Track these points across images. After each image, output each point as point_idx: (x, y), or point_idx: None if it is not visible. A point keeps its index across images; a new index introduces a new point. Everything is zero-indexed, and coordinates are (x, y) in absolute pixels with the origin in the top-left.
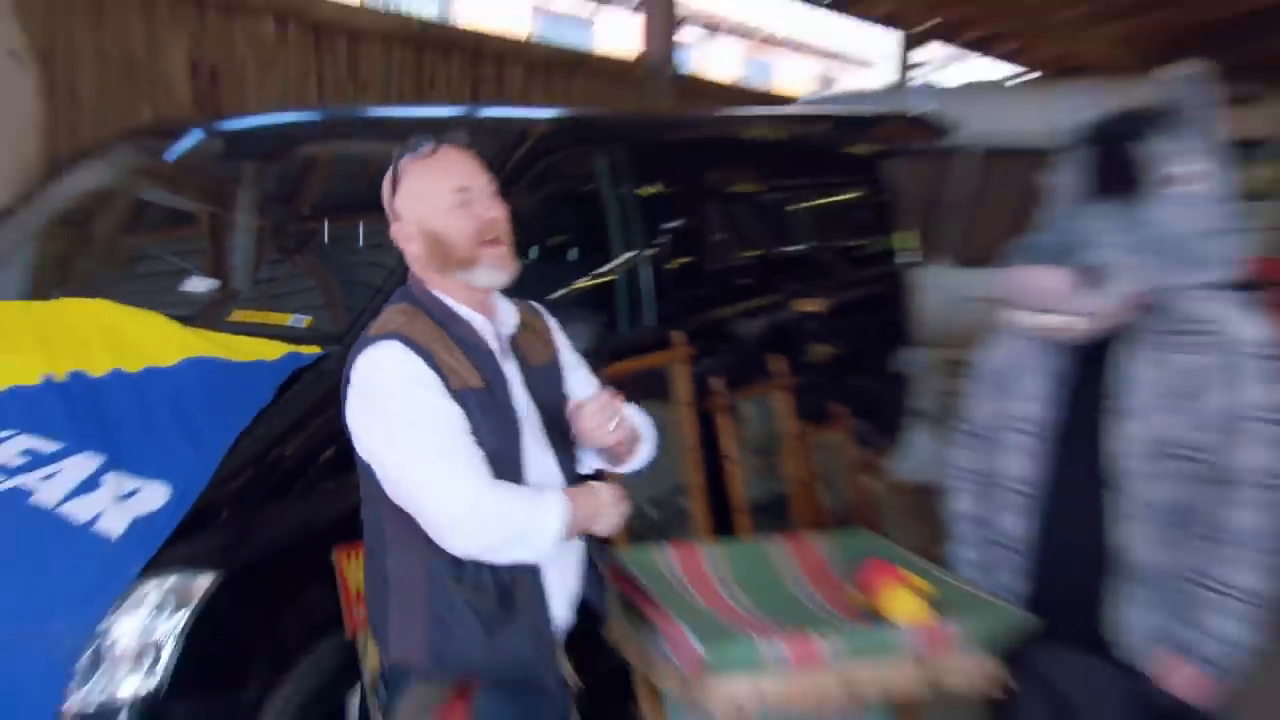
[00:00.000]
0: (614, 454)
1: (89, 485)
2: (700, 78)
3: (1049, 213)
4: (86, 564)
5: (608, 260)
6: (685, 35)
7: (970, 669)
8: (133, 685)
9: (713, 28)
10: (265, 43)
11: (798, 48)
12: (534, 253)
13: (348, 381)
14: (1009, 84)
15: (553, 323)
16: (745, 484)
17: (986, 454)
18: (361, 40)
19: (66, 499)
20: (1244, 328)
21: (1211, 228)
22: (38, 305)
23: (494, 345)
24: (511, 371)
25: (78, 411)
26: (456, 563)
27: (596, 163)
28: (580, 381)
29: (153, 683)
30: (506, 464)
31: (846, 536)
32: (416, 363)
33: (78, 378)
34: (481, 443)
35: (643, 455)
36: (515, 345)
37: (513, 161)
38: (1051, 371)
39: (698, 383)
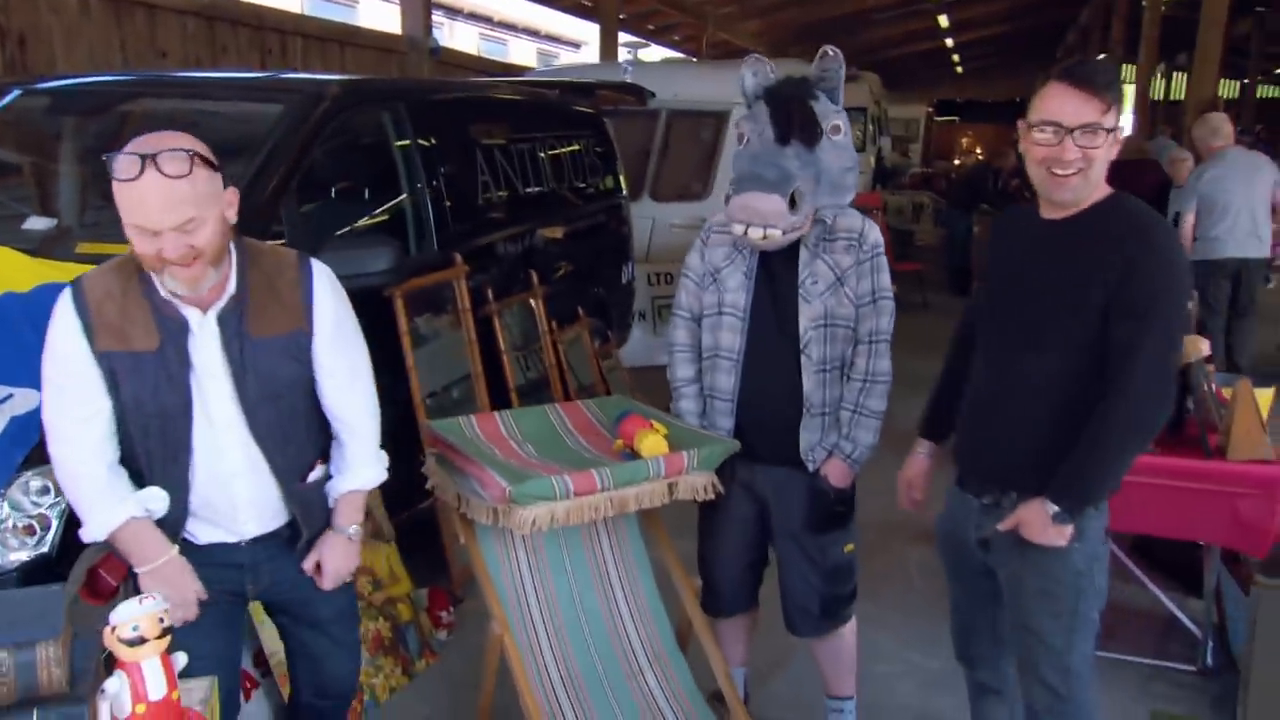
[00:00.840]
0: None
1: None
2: (453, 50)
3: (750, 153)
4: None
5: (397, 197)
6: (434, 17)
7: (697, 483)
8: (21, 553)
9: (455, 11)
10: (69, 12)
11: (523, 30)
12: (334, 193)
13: None
14: (690, 62)
15: (321, 293)
16: (514, 371)
17: (701, 332)
18: (158, 12)
19: None
20: (874, 233)
21: (852, 165)
22: None
23: (190, 311)
24: (208, 339)
25: None
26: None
27: (383, 118)
28: (331, 367)
29: (42, 550)
30: (172, 425)
31: (605, 401)
32: (69, 319)
33: None
34: (143, 404)
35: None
36: (240, 314)
37: (315, 116)
38: (750, 270)
39: (473, 293)
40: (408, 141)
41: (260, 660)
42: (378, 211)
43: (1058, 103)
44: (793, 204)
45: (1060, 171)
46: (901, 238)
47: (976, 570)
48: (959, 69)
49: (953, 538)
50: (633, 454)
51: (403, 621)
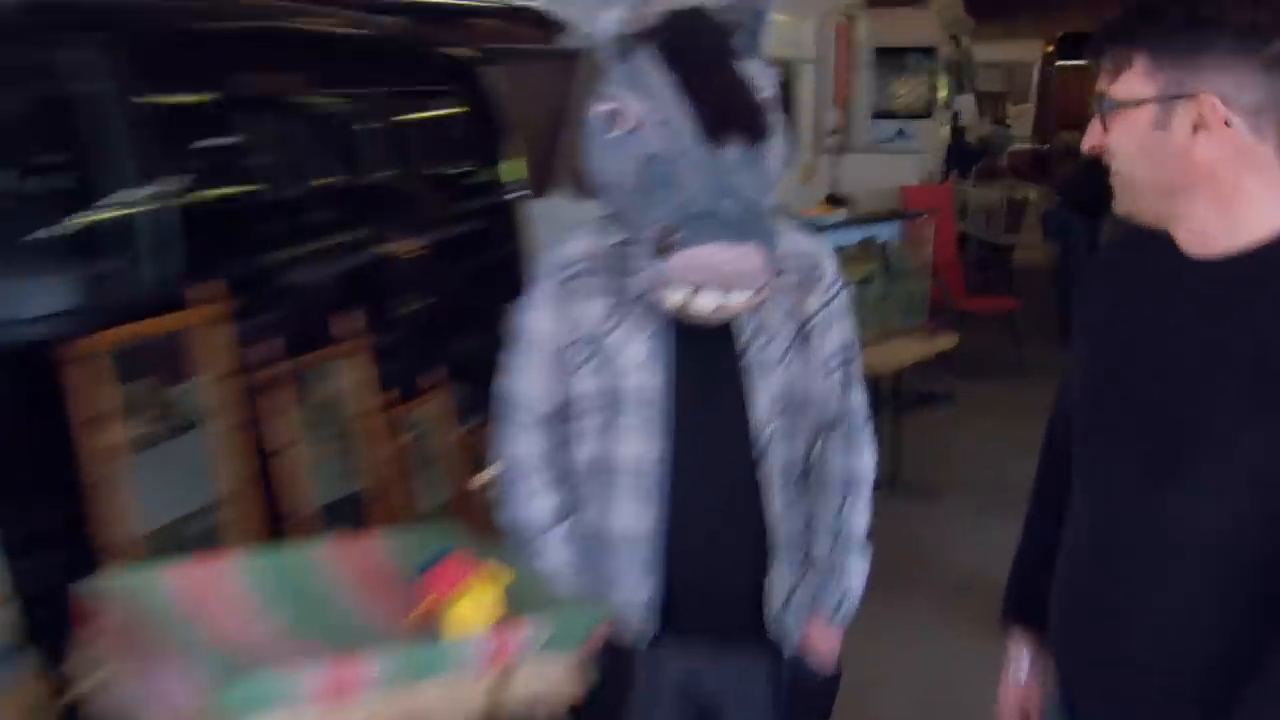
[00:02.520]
0: None
1: None
2: None
3: (658, 159)
4: None
5: (109, 190)
6: None
7: (548, 677)
8: None
9: None
10: None
11: None
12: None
13: None
14: None
15: None
16: (309, 480)
17: (566, 439)
18: None
19: None
20: (831, 265)
21: (787, 158)
22: None
23: None
24: None
25: None
26: None
27: (83, 60)
28: None
29: None
30: None
31: (423, 532)
32: None
33: None
34: None
35: None
36: None
37: None
38: (659, 333)
39: (244, 347)
40: (129, 99)
41: None
42: (72, 214)
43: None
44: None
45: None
46: (989, 256)
47: None
48: None
49: None
50: (442, 623)
51: None
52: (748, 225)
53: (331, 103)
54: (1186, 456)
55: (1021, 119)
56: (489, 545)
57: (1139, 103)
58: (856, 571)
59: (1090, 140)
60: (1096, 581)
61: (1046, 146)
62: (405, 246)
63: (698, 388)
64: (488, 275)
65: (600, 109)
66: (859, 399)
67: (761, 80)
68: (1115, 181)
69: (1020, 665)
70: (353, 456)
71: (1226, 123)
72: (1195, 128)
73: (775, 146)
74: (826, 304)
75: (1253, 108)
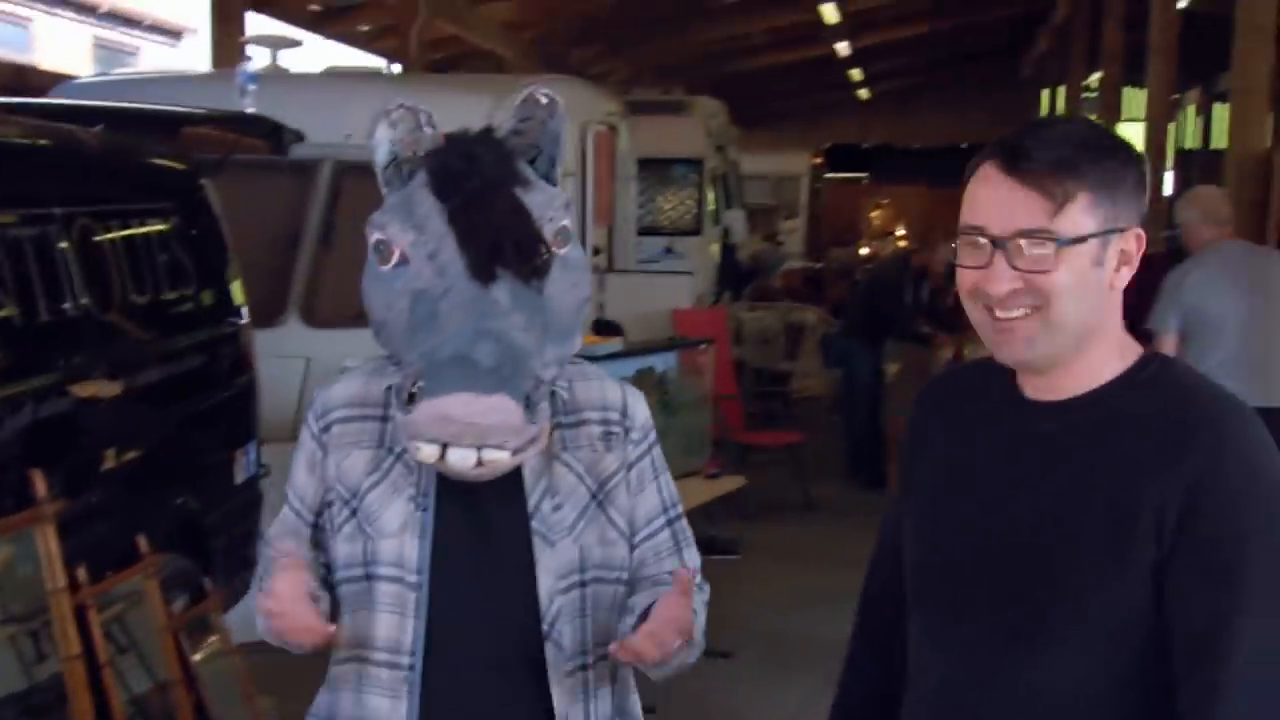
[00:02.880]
0: None
1: None
2: None
3: (425, 297)
4: None
5: None
6: None
7: None
8: None
9: None
10: None
11: (73, 6)
12: None
13: None
14: (378, 74)
15: None
16: None
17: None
18: None
19: None
20: (641, 408)
21: (587, 293)
22: None
23: None
24: None
25: None
26: None
27: None
28: None
29: None
30: None
31: None
32: None
33: None
34: None
35: None
36: None
37: None
38: (424, 489)
39: None
40: None
41: None
42: None
43: (985, 195)
44: (527, 404)
45: (1001, 314)
46: (768, 387)
47: None
48: (862, 93)
49: None
50: None
51: None
52: (504, 373)
53: (10, 220)
54: (1048, 615)
55: (793, 235)
56: None
57: (1085, 238)
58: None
59: (1001, 285)
60: None
61: (819, 265)
62: (104, 385)
63: (467, 559)
64: (207, 419)
65: (370, 238)
66: (693, 559)
67: (551, 210)
68: (1028, 327)
69: None
70: (42, 641)
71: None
72: (1119, 264)
73: (564, 282)
74: (631, 461)
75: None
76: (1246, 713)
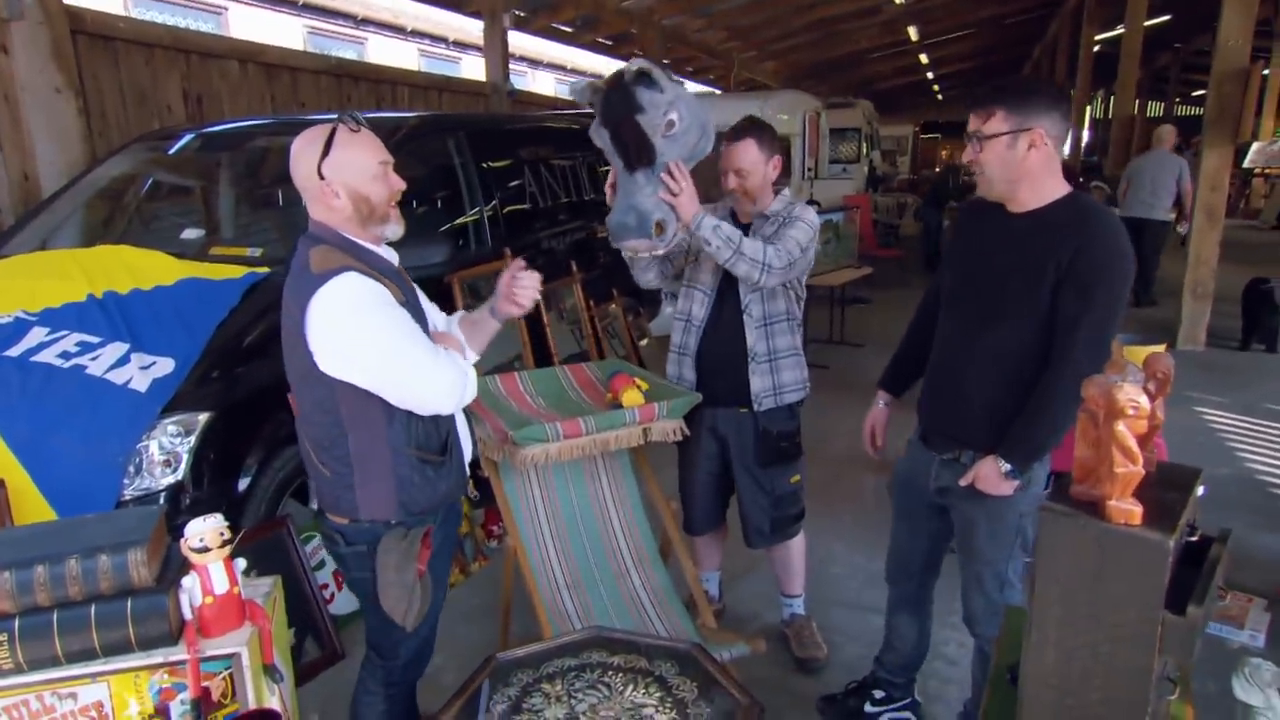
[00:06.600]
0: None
1: (122, 361)
2: (527, 92)
3: (614, 184)
4: (126, 408)
5: (459, 205)
6: (516, 66)
7: (667, 427)
8: (164, 480)
9: (536, 62)
10: (232, 77)
11: (591, 76)
12: (414, 205)
13: (305, 310)
14: (712, 94)
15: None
16: (557, 343)
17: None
18: (300, 74)
19: (109, 370)
20: (805, 212)
21: (700, 134)
22: (82, 250)
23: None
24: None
25: (111, 316)
26: (407, 432)
27: (449, 145)
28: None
29: (177, 477)
30: None
31: (605, 363)
32: (378, 285)
33: (110, 294)
34: None
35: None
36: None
37: (392, 144)
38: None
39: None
40: (469, 162)
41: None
42: (443, 217)
43: (970, 118)
44: (660, 230)
45: (975, 172)
46: (888, 230)
47: (926, 510)
48: (939, 96)
49: (910, 483)
50: (618, 405)
51: (462, 534)
52: (638, 229)
53: (559, 160)
54: (998, 313)
55: (902, 161)
56: (631, 367)
57: (999, 135)
58: (795, 375)
59: (968, 156)
60: (946, 374)
61: (915, 176)
62: (594, 230)
63: (720, 281)
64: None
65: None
66: (794, 235)
67: (658, 119)
68: (980, 179)
69: (878, 407)
70: (578, 331)
71: (1045, 144)
72: (1029, 147)
73: (669, 153)
74: (781, 224)
75: (1056, 136)
76: (1079, 358)
